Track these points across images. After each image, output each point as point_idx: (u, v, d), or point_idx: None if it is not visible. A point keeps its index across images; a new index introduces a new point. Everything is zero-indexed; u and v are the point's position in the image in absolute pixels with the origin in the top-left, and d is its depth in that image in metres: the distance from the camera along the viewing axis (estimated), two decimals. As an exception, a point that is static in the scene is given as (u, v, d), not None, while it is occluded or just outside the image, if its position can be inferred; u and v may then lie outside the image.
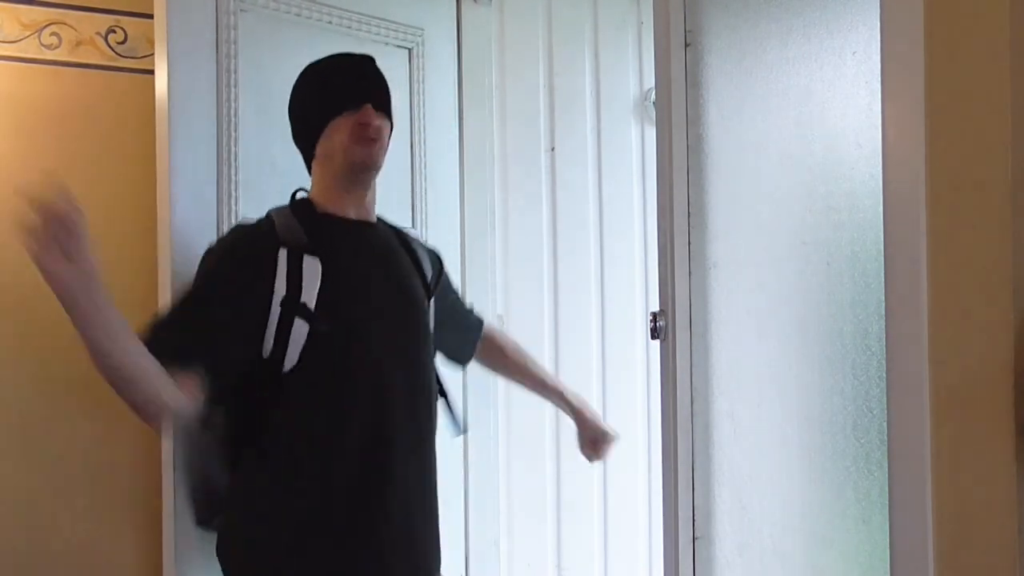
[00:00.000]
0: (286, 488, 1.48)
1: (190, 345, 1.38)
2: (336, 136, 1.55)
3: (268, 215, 1.56)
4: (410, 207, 2.14)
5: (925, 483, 1.07)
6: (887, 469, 1.13)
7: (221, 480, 1.54)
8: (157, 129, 1.80)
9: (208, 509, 1.57)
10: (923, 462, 1.07)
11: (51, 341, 1.97)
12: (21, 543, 1.95)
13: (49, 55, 1.99)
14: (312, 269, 1.47)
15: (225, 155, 1.82)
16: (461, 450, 2.24)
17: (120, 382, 1.28)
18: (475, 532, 2.26)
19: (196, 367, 1.36)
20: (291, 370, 1.45)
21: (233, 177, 1.83)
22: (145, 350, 1.30)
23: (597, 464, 2.56)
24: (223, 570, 1.52)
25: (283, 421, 1.47)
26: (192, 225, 1.78)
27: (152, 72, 1.92)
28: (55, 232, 1.14)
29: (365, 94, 1.59)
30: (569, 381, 2.48)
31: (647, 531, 2.58)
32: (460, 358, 1.88)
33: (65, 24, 2.01)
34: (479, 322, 1.91)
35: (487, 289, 2.33)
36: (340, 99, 1.57)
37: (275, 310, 1.44)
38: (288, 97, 1.66)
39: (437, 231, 2.19)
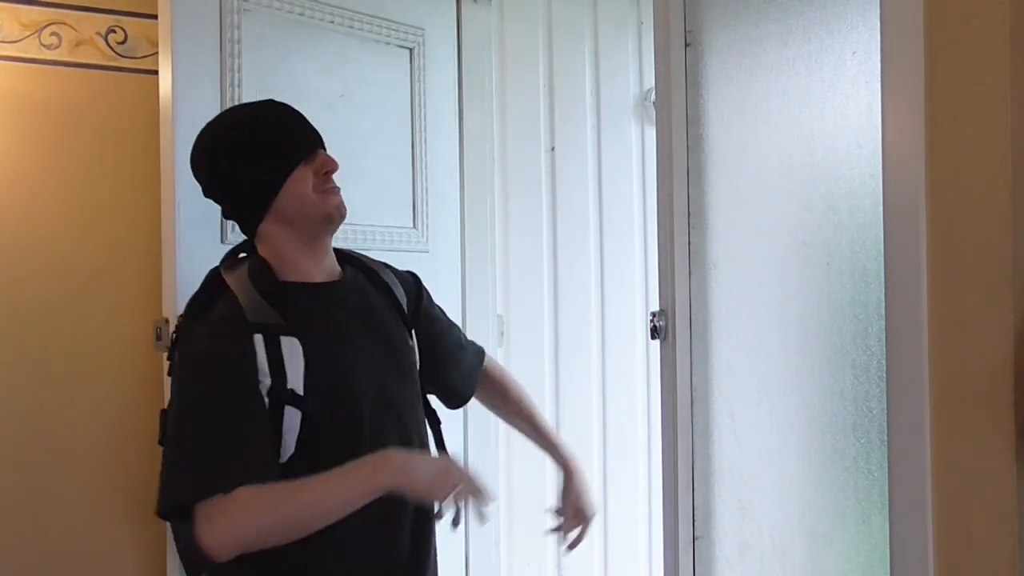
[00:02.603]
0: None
1: (254, 463, 1.28)
2: (299, 189, 1.41)
3: (221, 283, 1.40)
4: (410, 207, 2.14)
5: (925, 483, 1.07)
6: (887, 469, 1.13)
7: None
8: (161, 129, 1.80)
9: None
10: (923, 462, 1.07)
11: (50, 338, 1.98)
12: (23, 543, 1.95)
13: (49, 55, 1.99)
14: (293, 351, 1.34)
15: (229, 156, 1.81)
16: (461, 450, 2.24)
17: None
18: (475, 532, 2.26)
19: (266, 476, 1.29)
20: (288, 461, 1.33)
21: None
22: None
23: (597, 464, 2.57)
24: None
25: None
26: (195, 225, 1.77)
27: (153, 72, 1.92)
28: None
29: (315, 138, 1.46)
30: (569, 381, 2.51)
31: (647, 531, 2.58)
32: (460, 396, 1.72)
33: (65, 24, 2.01)
34: (479, 354, 1.75)
35: (487, 289, 2.33)
36: (294, 148, 1.42)
37: (264, 400, 1.32)
38: (287, 97, 1.56)
39: (437, 231, 2.19)
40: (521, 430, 1.79)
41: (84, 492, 1.99)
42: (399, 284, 1.60)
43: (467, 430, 2.25)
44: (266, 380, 1.32)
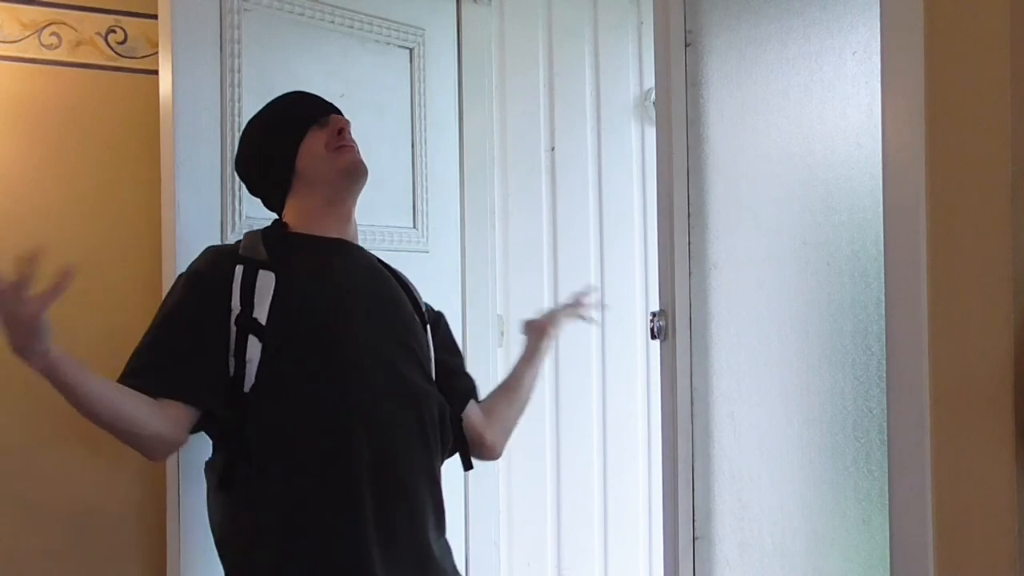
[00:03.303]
0: (267, 509, 1.40)
1: (167, 374, 1.38)
2: (312, 149, 1.52)
3: (244, 236, 1.54)
4: (410, 207, 2.15)
5: (925, 483, 1.07)
6: (887, 469, 1.13)
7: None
8: (161, 129, 1.80)
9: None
10: (923, 462, 1.07)
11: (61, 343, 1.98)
12: (22, 543, 1.94)
13: (49, 55, 1.99)
14: (265, 284, 1.42)
15: (229, 155, 1.82)
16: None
17: (111, 426, 1.33)
18: (475, 532, 2.26)
19: (177, 395, 1.37)
20: (250, 389, 1.39)
21: (237, 179, 1.83)
22: (125, 391, 1.34)
23: (597, 464, 2.57)
24: None
25: (251, 443, 1.39)
26: (196, 226, 1.77)
27: (153, 72, 1.92)
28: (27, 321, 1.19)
29: (328, 107, 1.59)
30: (569, 381, 2.51)
31: (647, 531, 2.58)
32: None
33: (65, 24, 2.01)
34: (470, 389, 1.71)
35: (487, 289, 2.33)
36: (306, 115, 1.55)
37: (231, 329, 1.40)
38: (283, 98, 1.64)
39: (437, 231, 2.19)
40: (519, 383, 1.80)
41: (83, 489, 1.99)
42: (420, 296, 1.66)
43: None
44: (236, 308, 1.40)
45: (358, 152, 1.56)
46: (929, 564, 1.06)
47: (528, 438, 2.43)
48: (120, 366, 1.88)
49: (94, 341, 2.01)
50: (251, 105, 1.85)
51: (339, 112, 1.60)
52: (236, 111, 1.83)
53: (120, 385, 1.36)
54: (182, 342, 1.40)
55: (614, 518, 2.57)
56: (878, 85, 1.13)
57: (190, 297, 1.44)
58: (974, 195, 1.06)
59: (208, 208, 1.79)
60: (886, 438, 1.13)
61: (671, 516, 1.50)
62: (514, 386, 1.79)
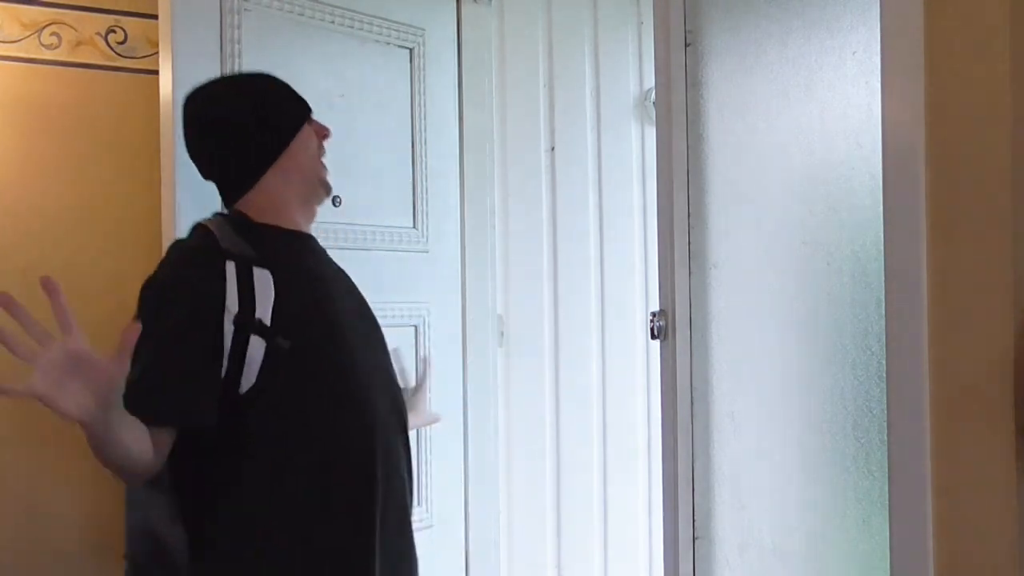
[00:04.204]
0: (258, 522, 1.35)
1: (166, 402, 1.28)
2: (309, 143, 1.49)
3: (200, 226, 1.42)
4: (410, 207, 2.15)
5: (925, 483, 1.07)
6: (887, 469, 1.13)
7: (171, 536, 1.38)
8: (161, 129, 1.80)
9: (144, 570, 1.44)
10: (923, 462, 1.07)
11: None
12: (18, 543, 1.95)
13: (49, 55, 1.99)
14: (264, 282, 1.36)
15: (229, 155, 1.82)
16: (461, 450, 2.24)
17: (119, 468, 1.24)
18: (475, 532, 2.26)
19: (175, 422, 1.29)
20: (248, 391, 1.32)
21: (238, 177, 1.84)
22: (136, 429, 1.22)
23: (597, 464, 2.57)
24: None
25: (243, 450, 1.33)
26: (195, 226, 1.77)
27: (153, 72, 1.92)
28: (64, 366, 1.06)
29: (308, 104, 1.54)
30: (569, 381, 2.51)
31: (647, 531, 2.58)
32: None
33: (65, 24, 2.01)
34: None
35: (487, 289, 2.33)
36: (302, 107, 1.50)
37: (228, 328, 1.31)
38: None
39: (437, 231, 2.19)
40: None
41: (79, 490, 1.99)
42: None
43: (467, 431, 2.26)
44: (233, 307, 1.32)
45: None
46: (929, 564, 1.06)
47: (528, 438, 2.44)
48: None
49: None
50: (252, 105, 1.85)
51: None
52: (236, 111, 1.83)
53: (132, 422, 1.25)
54: (177, 365, 1.30)
55: (614, 518, 2.57)
56: (878, 85, 1.13)
57: (181, 311, 1.32)
58: (974, 195, 1.06)
59: (207, 208, 1.78)
60: (886, 438, 1.13)
61: (671, 516, 1.50)
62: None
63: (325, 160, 1.52)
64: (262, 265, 1.37)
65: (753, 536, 1.42)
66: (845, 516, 1.27)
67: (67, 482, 1.99)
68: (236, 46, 1.84)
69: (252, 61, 1.86)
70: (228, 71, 1.82)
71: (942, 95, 1.06)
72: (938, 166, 1.06)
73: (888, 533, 1.12)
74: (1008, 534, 1.02)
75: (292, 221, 1.47)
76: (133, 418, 1.20)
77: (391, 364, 1.54)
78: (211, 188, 1.84)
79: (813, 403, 1.32)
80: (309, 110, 1.52)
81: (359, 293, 1.55)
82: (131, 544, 1.41)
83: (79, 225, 2.01)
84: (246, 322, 1.33)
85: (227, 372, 1.32)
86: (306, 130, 1.49)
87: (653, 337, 1.53)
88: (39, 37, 1.98)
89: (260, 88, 1.52)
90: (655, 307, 1.54)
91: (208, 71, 1.81)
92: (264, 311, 1.35)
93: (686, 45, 1.52)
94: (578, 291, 2.54)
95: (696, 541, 1.50)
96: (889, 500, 1.12)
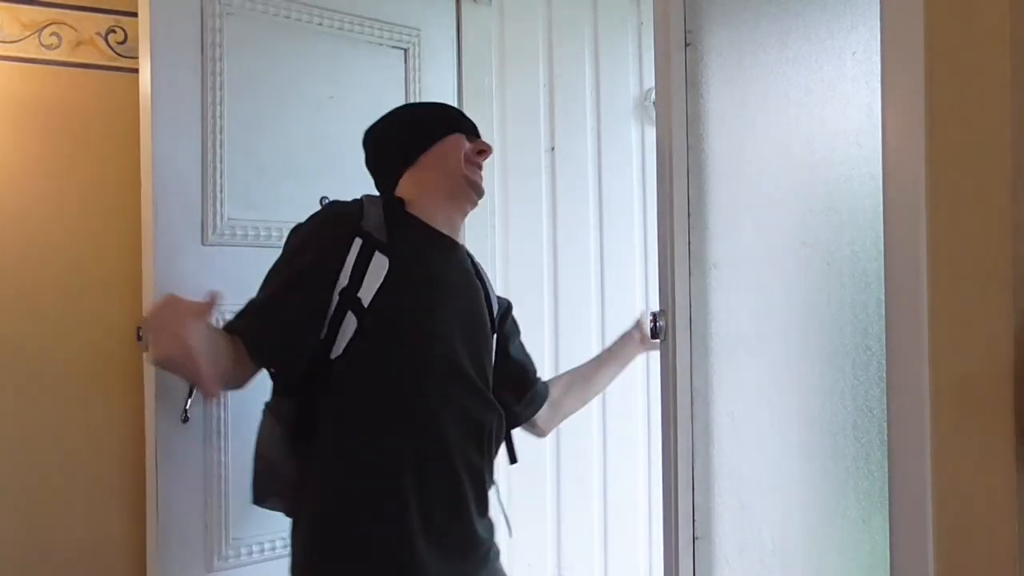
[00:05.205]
0: (345, 473, 1.47)
1: (271, 340, 1.43)
2: (457, 146, 1.61)
3: (361, 199, 1.56)
4: (410, 207, 2.14)
5: (925, 483, 1.07)
6: (887, 469, 1.13)
7: (284, 467, 1.52)
8: (141, 129, 1.82)
9: (264, 491, 1.55)
10: (923, 462, 1.07)
11: (47, 339, 1.98)
12: (14, 543, 1.95)
13: (49, 55, 1.99)
14: (378, 268, 1.46)
15: (210, 157, 1.83)
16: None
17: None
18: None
19: (271, 364, 1.46)
20: (337, 358, 1.45)
21: (219, 180, 1.85)
22: (223, 349, 1.36)
23: (597, 464, 2.57)
24: (295, 553, 1.50)
25: (334, 406, 1.46)
26: (175, 225, 1.78)
27: (153, 72, 1.92)
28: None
29: (477, 130, 1.69)
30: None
31: (647, 531, 2.58)
32: (517, 419, 1.81)
33: (65, 24, 2.01)
34: (545, 389, 1.87)
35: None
36: (461, 120, 1.66)
37: (335, 298, 1.44)
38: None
39: (437, 231, 2.19)
40: (597, 383, 2.01)
41: (67, 492, 1.99)
42: (495, 296, 1.73)
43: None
44: (344, 280, 1.45)
45: (482, 178, 1.67)
46: (929, 564, 1.06)
47: (528, 438, 2.43)
48: (106, 358, 1.90)
49: (90, 342, 2.02)
50: (234, 107, 1.87)
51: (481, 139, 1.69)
52: (218, 113, 1.84)
53: (222, 338, 1.39)
54: (289, 311, 1.43)
55: (614, 518, 2.57)
56: (878, 85, 1.13)
57: (308, 260, 1.46)
58: (974, 195, 1.06)
59: (188, 207, 1.80)
60: (886, 438, 1.13)
61: (671, 516, 1.50)
62: (591, 384, 1.96)
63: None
64: (385, 251, 1.47)
65: (753, 536, 1.42)
66: (845, 516, 1.27)
67: (67, 486, 1.99)
68: (218, 49, 1.85)
69: (235, 63, 1.87)
70: (209, 74, 1.85)
71: (942, 95, 1.06)
72: (938, 166, 1.06)
73: (888, 533, 1.12)
74: (1008, 534, 1.02)
75: (440, 217, 1.59)
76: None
77: (484, 383, 1.58)
78: (194, 189, 1.86)
79: (813, 403, 1.32)
80: (470, 129, 1.66)
81: (480, 306, 1.62)
82: (257, 462, 1.55)
83: (78, 224, 2.01)
84: (348, 298, 1.44)
85: (325, 335, 1.44)
86: (454, 138, 1.62)
87: (653, 337, 1.53)
88: (39, 37, 1.98)
89: (423, 104, 1.75)
90: (655, 307, 1.54)
91: (188, 73, 1.82)
92: (367, 294, 1.44)
93: (686, 45, 1.52)
94: (578, 291, 2.54)
95: (696, 541, 1.50)
96: (889, 500, 1.12)
